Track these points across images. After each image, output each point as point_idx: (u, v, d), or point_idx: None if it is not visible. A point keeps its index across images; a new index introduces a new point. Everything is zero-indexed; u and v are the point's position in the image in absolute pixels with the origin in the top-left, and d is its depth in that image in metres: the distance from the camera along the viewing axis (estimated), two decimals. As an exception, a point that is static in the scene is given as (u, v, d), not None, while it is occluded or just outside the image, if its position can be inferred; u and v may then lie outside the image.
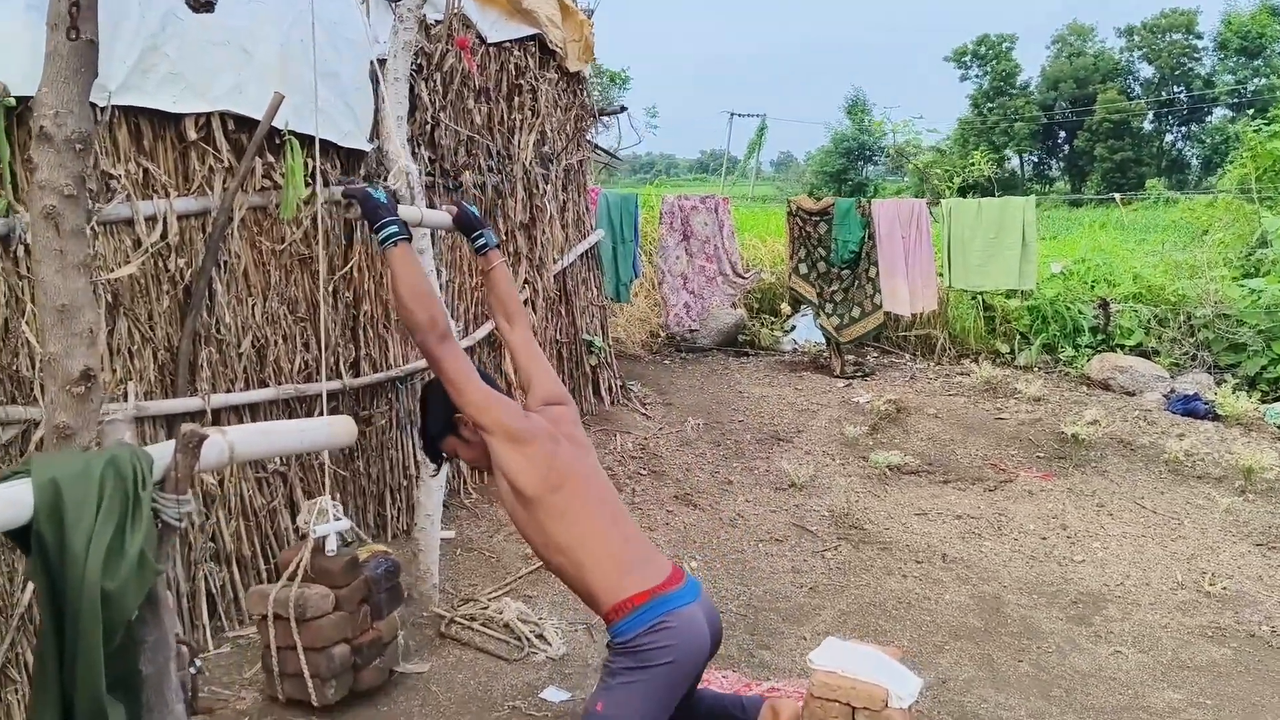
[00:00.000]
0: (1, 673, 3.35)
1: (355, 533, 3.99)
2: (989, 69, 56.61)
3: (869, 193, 37.16)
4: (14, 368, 3.41)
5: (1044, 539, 5.57)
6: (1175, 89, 52.74)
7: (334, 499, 3.89)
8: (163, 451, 1.93)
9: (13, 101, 3.21)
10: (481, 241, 3.26)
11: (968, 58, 57.61)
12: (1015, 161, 58.50)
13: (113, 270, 3.73)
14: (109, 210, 3.69)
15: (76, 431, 2.39)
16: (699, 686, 3.70)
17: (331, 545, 3.67)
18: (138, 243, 3.83)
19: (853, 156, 50.71)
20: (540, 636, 4.36)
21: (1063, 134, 56.50)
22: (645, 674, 2.78)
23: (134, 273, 3.81)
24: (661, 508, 5.94)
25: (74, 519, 1.73)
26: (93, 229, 3.62)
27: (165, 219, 3.90)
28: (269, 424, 2.47)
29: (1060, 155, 58.71)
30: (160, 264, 3.96)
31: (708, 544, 5.46)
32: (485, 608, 4.54)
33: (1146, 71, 54.80)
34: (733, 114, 42.04)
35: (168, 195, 3.93)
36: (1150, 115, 52.85)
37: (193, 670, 2.05)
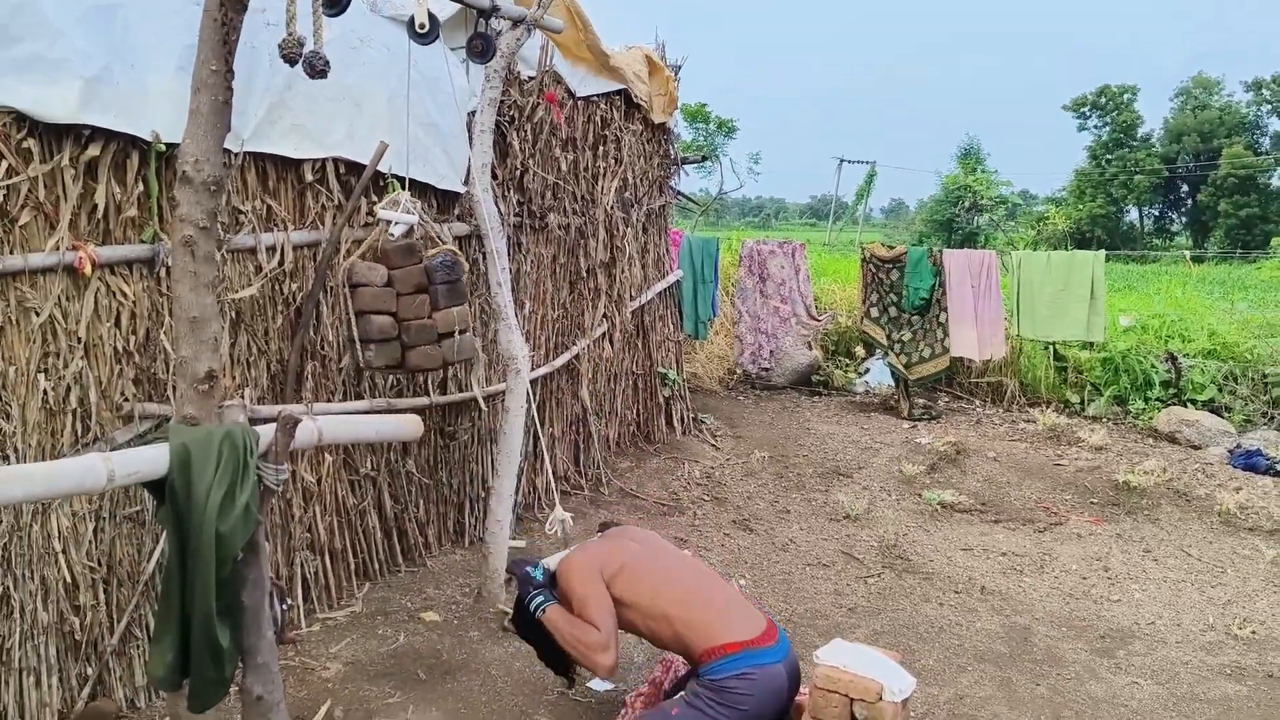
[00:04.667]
0: (127, 631, 3.94)
1: (427, 228, 4.41)
2: (1109, 120, 55.63)
3: (980, 243, 36.95)
4: (152, 371, 4.04)
5: (1084, 579, 5.79)
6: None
7: (412, 200, 4.33)
8: (267, 431, 2.47)
9: (163, 147, 3.85)
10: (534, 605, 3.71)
11: (1087, 108, 56.70)
12: (1134, 215, 57.24)
13: (238, 291, 4.36)
14: (237, 240, 4.33)
15: (200, 421, 2.98)
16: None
17: (395, 231, 4.09)
18: (259, 268, 4.46)
19: (963, 206, 50.35)
20: (593, 634, 4.80)
21: (1185, 188, 55.11)
22: (724, 710, 3.28)
23: (254, 294, 4.44)
24: (719, 530, 6.34)
25: (198, 474, 2.27)
26: (223, 256, 4.26)
27: (282, 249, 4.53)
28: (351, 416, 2.98)
29: (1182, 210, 57.22)
30: (276, 287, 4.58)
31: (758, 565, 5.84)
32: (545, 607, 5.00)
33: (1276, 125, 53.25)
34: (842, 160, 42.33)
35: (286, 229, 4.57)
36: (1279, 171, 51.23)
37: (283, 608, 2.56)
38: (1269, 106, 52.96)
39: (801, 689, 4.26)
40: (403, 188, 4.95)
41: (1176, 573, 5.89)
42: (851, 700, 3.37)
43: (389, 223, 4.27)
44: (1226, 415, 8.70)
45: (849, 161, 42.55)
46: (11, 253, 3.53)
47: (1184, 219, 56.57)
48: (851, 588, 5.57)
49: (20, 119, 3.50)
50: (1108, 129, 55.62)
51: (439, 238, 4.59)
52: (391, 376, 5.25)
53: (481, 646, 4.63)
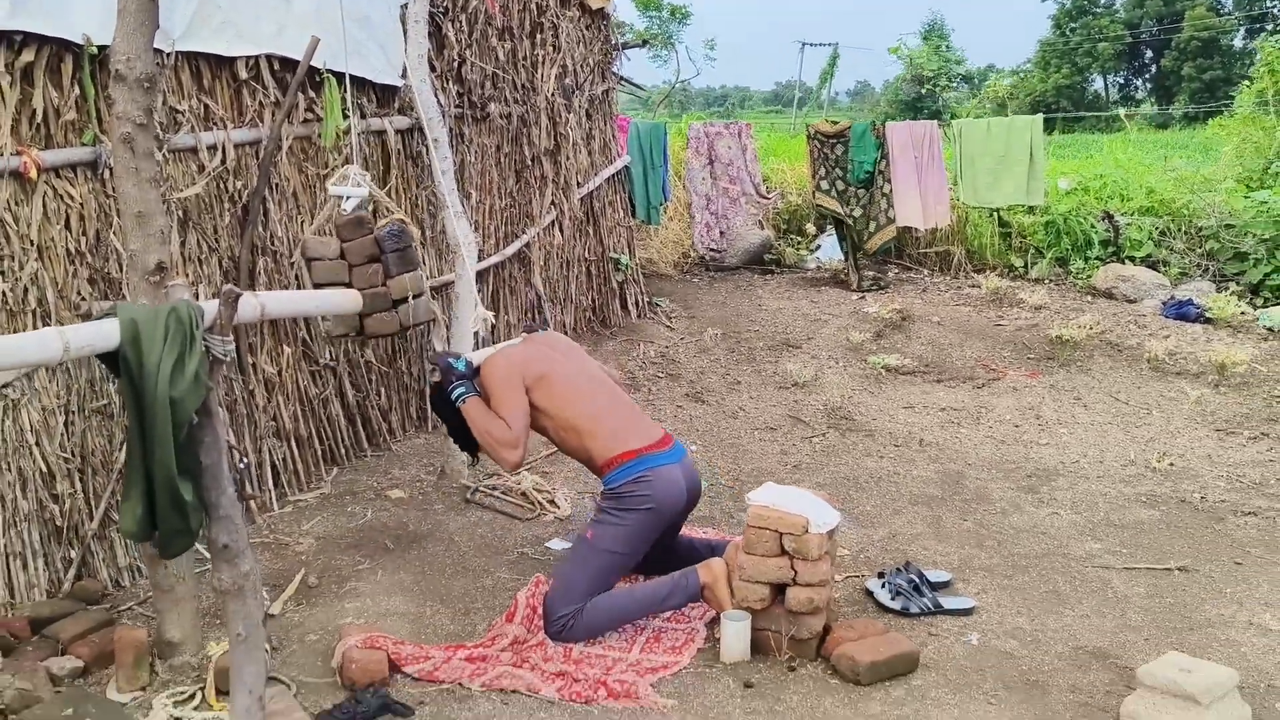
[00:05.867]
0: (106, 516, 4.18)
1: (379, 203, 4.62)
2: (1072, -14, 54.78)
3: (945, 119, 36.65)
4: (105, 270, 4.20)
5: (1017, 426, 6.13)
6: (1269, 3, 50.56)
7: (362, 172, 4.41)
8: (211, 306, 2.66)
9: (95, 49, 3.94)
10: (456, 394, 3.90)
11: (1050, -26, 55.72)
12: (1099, 83, 56.90)
13: (182, 191, 4.50)
14: (177, 140, 4.45)
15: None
16: (682, 536, 4.42)
17: (347, 206, 4.29)
18: (201, 167, 4.59)
19: (905, 79, 49.42)
20: (551, 502, 5.09)
21: (1149, 53, 54.70)
22: (629, 515, 3.62)
23: (199, 193, 4.57)
24: (672, 403, 6.63)
25: (148, 345, 2.47)
26: (165, 156, 4.38)
27: (224, 147, 4.65)
28: (293, 292, 3.17)
29: (1147, 76, 56.91)
30: (221, 186, 4.72)
31: (709, 432, 6.13)
32: (506, 480, 5.29)
33: (1239, -16, 52.64)
34: (804, 44, 41.79)
35: (225, 127, 4.68)
36: (1242, 32, 50.88)
37: (241, 465, 2.79)
38: (1232, -36, 52.31)
39: (735, 533, 4.60)
40: (339, 84, 5.05)
41: (1104, 416, 6.24)
42: (780, 535, 3.65)
43: (340, 198, 4.36)
44: (1163, 270, 9.02)
45: (811, 45, 41.99)
46: (-44, 160, 3.65)
47: (1149, 85, 56.28)
48: (797, 447, 5.88)
49: (-50, 27, 3.58)
50: (1071, -4, 54.85)
51: (388, 207, 4.70)
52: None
53: (445, 518, 4.91)
